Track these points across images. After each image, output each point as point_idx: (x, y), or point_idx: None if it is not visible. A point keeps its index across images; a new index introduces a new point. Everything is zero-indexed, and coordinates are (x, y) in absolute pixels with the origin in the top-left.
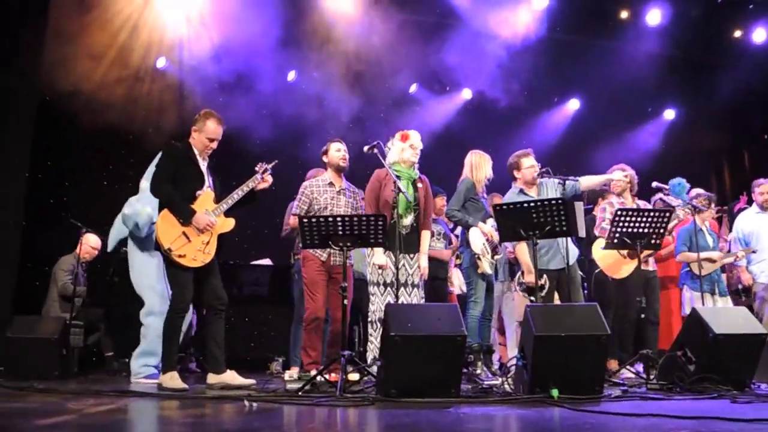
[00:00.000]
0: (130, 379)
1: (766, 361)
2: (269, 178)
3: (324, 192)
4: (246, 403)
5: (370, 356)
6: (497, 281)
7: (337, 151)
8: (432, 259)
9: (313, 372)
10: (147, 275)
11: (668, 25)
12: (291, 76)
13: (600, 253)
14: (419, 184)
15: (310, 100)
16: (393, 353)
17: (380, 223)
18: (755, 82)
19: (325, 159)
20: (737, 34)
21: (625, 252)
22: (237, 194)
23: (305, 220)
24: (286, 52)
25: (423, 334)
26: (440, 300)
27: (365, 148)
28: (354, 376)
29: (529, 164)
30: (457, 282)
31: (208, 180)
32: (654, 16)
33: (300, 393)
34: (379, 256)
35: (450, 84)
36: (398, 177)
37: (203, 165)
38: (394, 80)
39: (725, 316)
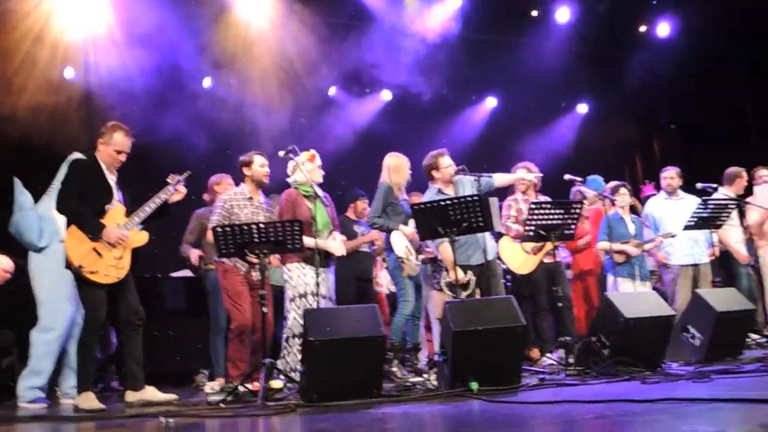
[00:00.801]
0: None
1: (675, 341)
2: (183, 189)
3: (244, 207)
4: (162, 420)
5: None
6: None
7: (262, 167)
8: (358, 260)
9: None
10: (39, 288)
11: (576, 22)
12: (206, 82)
13: (504, 251)
14: (326, 202)
15: (228, 108)
16: (313, 358)
17: (296, 228)
18: (661, 75)
19: (247, 171)
20: (642, 28)
21: (528, 248)
22: (149, 207)
23: (219, 229)
24: (200, 59)
25: (342, 337)
26: (368, 301)
27: (280, 153)
28: (277, 384)
29: (446, 164)
30: (384, 282)
31: (117, 194)
32: (563, 14)
33: (222, 404)
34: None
35: (369, 85)
36: (306, 196)
37: (111, 179)
38: (313, 84)
39: (635, 301)
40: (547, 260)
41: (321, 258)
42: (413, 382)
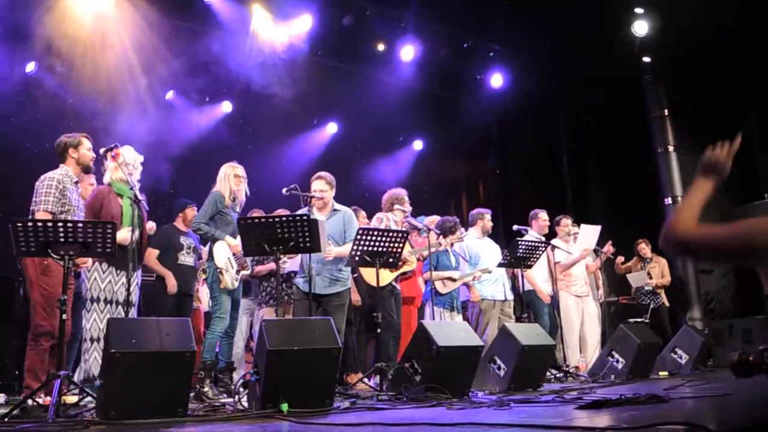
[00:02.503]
0: None
1: (483, 371)
2: None
3: (72, 191)
4: None
5: (81, 377)
6: (248, 298)
7: (89, 151)
8: (180, 272)
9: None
10: None
11: (420, 61)
12: (30, 67)
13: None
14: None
15: (51, 96)
16: (114, 371)
17: (109, 230)
18: (491, 122)
19: (73, 154)
20: (478, 76)
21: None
22: None
23: (19, 224)
24: (25, 45)
25: (147, 350)
26: (186, 316)
27: (101, 150)
28: (72, 399)
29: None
30: (204, 298)
31: None
32: (407, 52)
33: (6, 420)
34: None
35: (209, 94)
36: (120, 195)
37: None
38: (150, 84)
39: (448, 330)
40: (393, 284)
41: (135, 262)
42: (223, 402)
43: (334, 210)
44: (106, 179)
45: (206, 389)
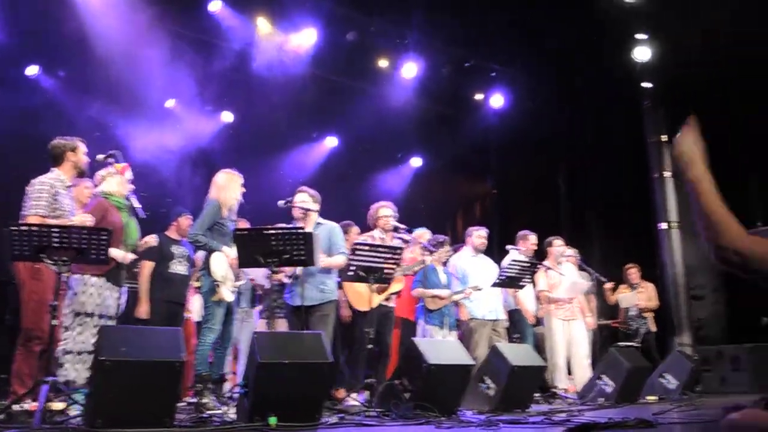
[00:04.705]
0: None
1: (472, 390)
2: None
3: (65, 196)
4: None
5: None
6: (239, 308)
7: (85, 155)
8: (172, 281)
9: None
10: None
11: (421, 78)
12: (33, 70)
13: (349, 286)
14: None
15: (51, 101)
16: (102, 379)
17: (103, 237)
18: (490, 142)
19: (72, 157)
20: (479, 96)
21: (374, 286)
22: None
23: (14, 228)
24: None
25: (137, 359)
26: (177, 326)
27: (99, 157)
28: (59, 405)
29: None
30: (195, 308)
31: None
32: (409, 70)
33: None
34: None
35: (210, 104)
36: (118, 208)
37: None
38: (150, 91)
39: (440, 348)
40: (384, 303)
41: (123, 276)
42: (210, 414)
43: (318, 224)
44: (102, 188)
45: (206, 400)
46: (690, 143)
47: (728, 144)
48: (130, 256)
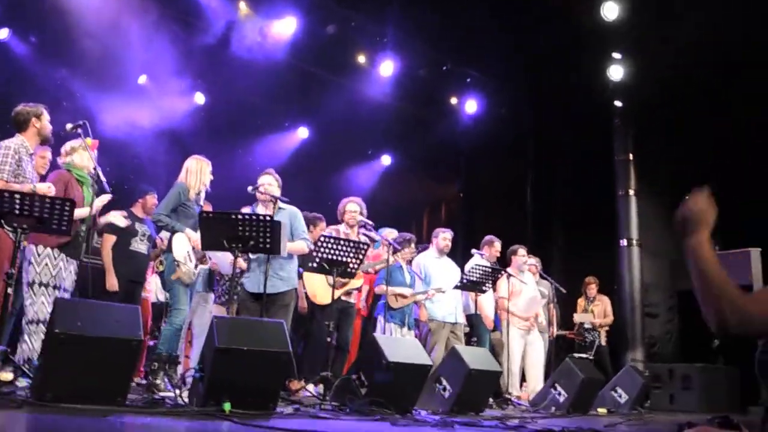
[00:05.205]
0: None
1: (428, 390)
2: None
3: (28, 163)
4: None
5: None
6: (195, 292)
7: (48, 122)
8: (133, 259)
9: None
10: None
11: (398, 77)
12: (3, 33)
13: (308, 277)
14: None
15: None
16: (54, 353)
17: (67, 207)
18: (461, 146)
19: (36, 124)
20: (453, 100)
21: (332, 280)
22: None
23: None
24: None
25: (93, 335)
26: (135, 304)
27: (68, 126)
28: (7, 376)
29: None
30: (153, 288)
31: None
32: (386, 68)
33: None
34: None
35: (182, 85)
36: (80, 182)
37: None
38: (124, 65)
39: (399, 346)
40: (344, 298)
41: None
42: (162, 396)
43: (280, 208)
44: (67, 160)
45: (158, 381)
46: (703, 206)
47: (697, 166)
48: (86, 211)
